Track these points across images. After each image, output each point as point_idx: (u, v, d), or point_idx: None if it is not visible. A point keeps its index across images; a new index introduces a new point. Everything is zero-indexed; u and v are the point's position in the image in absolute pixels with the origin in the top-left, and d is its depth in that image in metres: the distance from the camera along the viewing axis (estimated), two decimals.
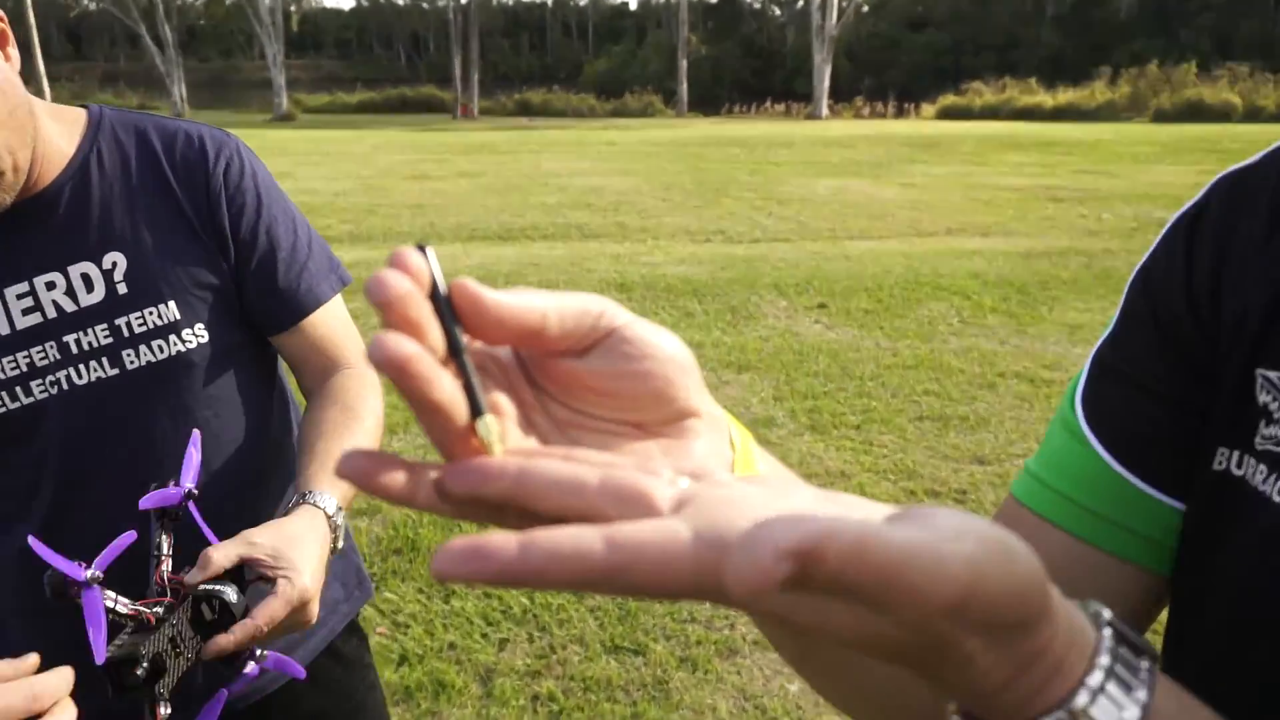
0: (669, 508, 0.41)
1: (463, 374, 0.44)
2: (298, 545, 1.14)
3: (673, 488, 0.42)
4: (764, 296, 7.15)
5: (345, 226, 10.11)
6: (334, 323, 1.41)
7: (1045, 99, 34.41)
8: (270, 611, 1.07)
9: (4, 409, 1.22)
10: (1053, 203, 11.62)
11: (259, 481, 1.40)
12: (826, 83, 38.76)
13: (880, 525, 0.33)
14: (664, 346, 0.49)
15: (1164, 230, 0.75)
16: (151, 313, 1.27)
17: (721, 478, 0.44)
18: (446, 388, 0.42)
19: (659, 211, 11.27)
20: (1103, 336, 0.77)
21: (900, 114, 37.94)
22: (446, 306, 0.44)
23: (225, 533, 1.16)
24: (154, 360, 1.27)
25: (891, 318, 6.59)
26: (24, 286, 1.22)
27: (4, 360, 1.22)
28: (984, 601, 0.34)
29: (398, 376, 0.40)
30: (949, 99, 37.06)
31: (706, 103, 43.59)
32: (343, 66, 78.66)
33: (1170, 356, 0.73)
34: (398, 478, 0.42)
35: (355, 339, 1.43)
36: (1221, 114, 29.54)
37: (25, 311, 1.23)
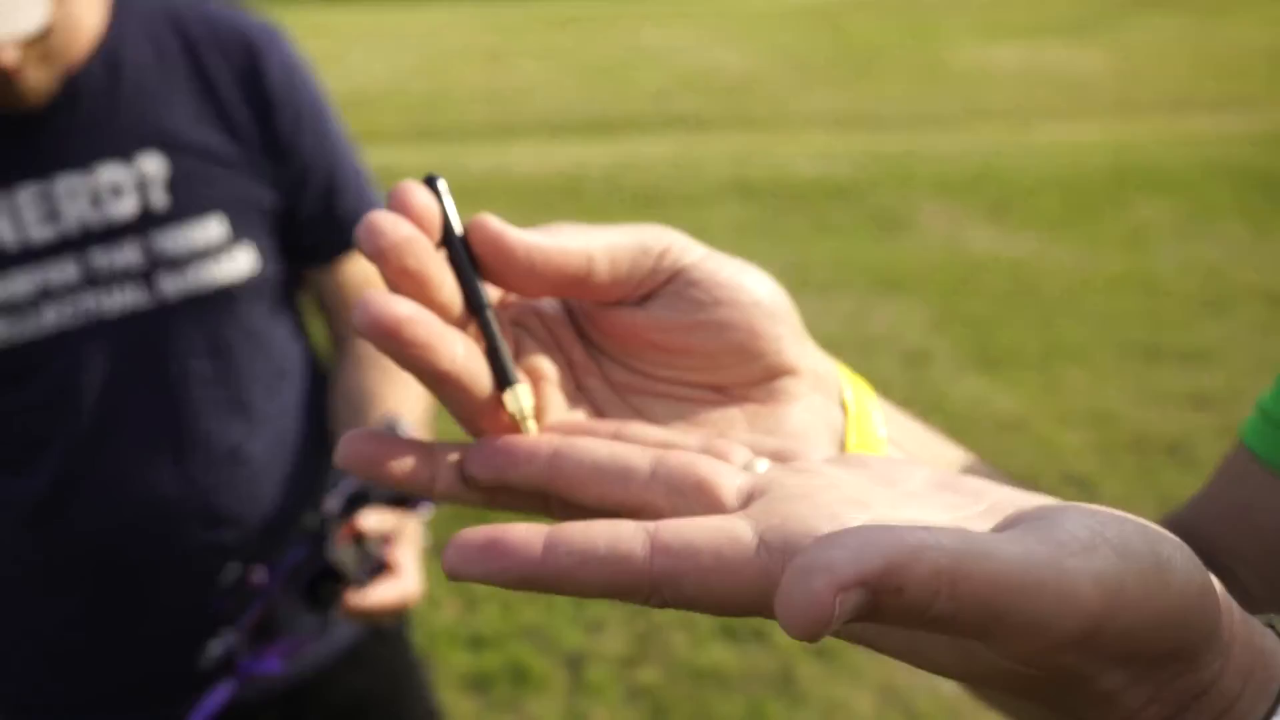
0: (736, 501, 0.40)
1: (486, 335, 0.45)
2: (404, 540, 1.28)
3: (745, 474, 0.42)
4: (923, 199, 7.10)
5: (405, 123, 10.31)
6: (365, 270, 1.48)
7: None
8: (382, 597, 1.22)
9: (9, 336, 1.27)
10: None
11: (299, 434, 1.49)
12: None
13: (985, 539, 0.31)
14: (747, 288, 0.49)
15: None
16: (194, 230, 1.32)
17: (813, 458, 0.43)
18: (457, 355, 0.42)
19: (790, 94, 11.16)
20: None
21: None
22: (463, 252, 0.44)
23: (262, 492, 1.28)
24: (196, 289, 1.33)
25: (1089, 223, 6.48)
26: (37, 188, 1.27)
27: (15, 275, 1.26)
28: (1123, 629, 0.32)
29: (390, 345, 0.41)
30: None
31: None
32: None
33: None
34: (406, 463, 0.43)
35: None
36: None
37: (40, 219, 1.27)
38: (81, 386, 1.31)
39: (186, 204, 1.32)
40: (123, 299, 1.31)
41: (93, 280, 1.29)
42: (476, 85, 12.43)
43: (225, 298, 1.35)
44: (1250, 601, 0.68)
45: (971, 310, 5.25)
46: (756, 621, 3.12)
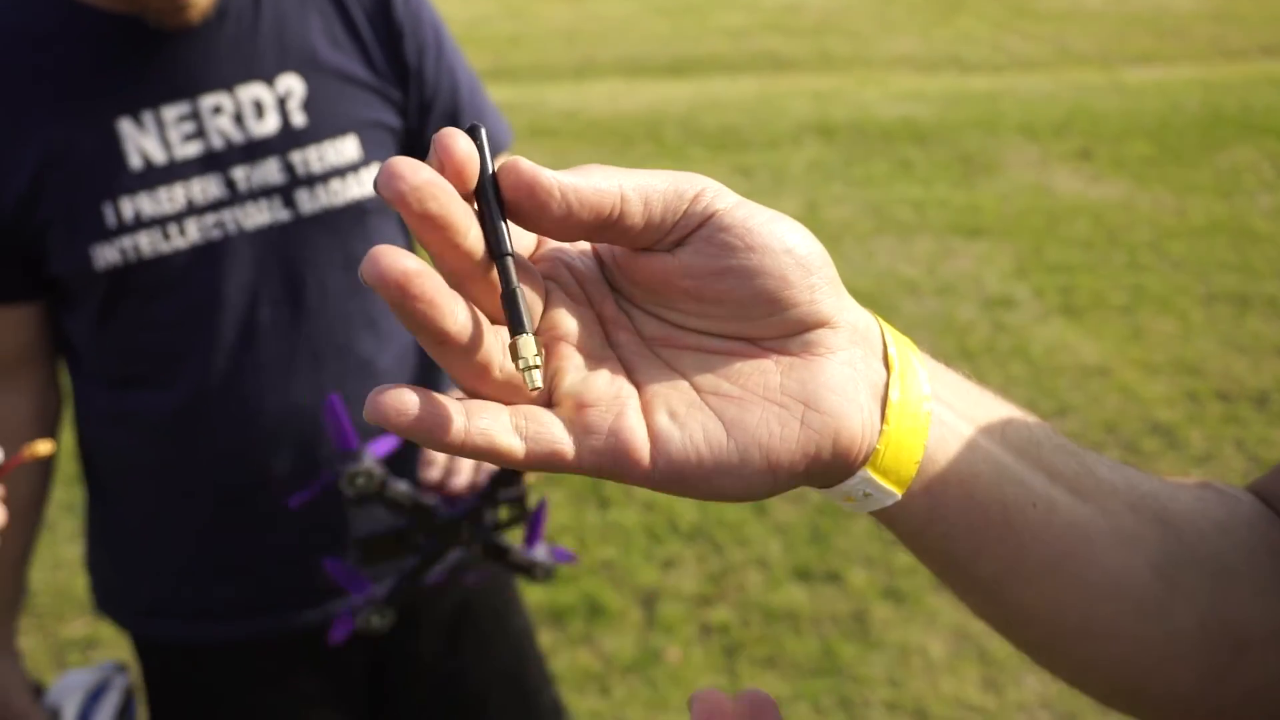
0: None
1: (503, 281, 0.45)
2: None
3: None
4: (1008, 141, 6.98)
5: (485, 61, 10.31)
6: None
7: None
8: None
9: (155, 251, 1.32)
10: None
11: (422, 351, 1.53)
12: None
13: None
14: (779, 235, 0.50)
15: None
16: (331, 149, 1.38)
17: None
18: (459, 316, 0.44)
19: (873, 34, 11.01)
20: None
21: None
22: (492, 195, 0.45)
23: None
24: (330, 205, 1.39)
25: (1180, 168, 6.34)
26: (185, 107, 1.32)
27: (160, 191, 1.31)
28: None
29: (395, 298, 0.42)
30: None
31: None
32: None
33: None
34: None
35: None
36: None
37: (187, 137, 1.33)
38: (222, 299, 1.36)
39: (323, 124, 1.37)
40: (263, 214, 1.36)
41: (235, 195, 1.35)
42: (556, 24, 12.40)
43: (359, 213, 1.41)
44: None
45: (1056, 256, 5.16)
46: (833, 562, 3.11)
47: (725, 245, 0.49)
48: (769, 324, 0.51)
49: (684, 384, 0.51)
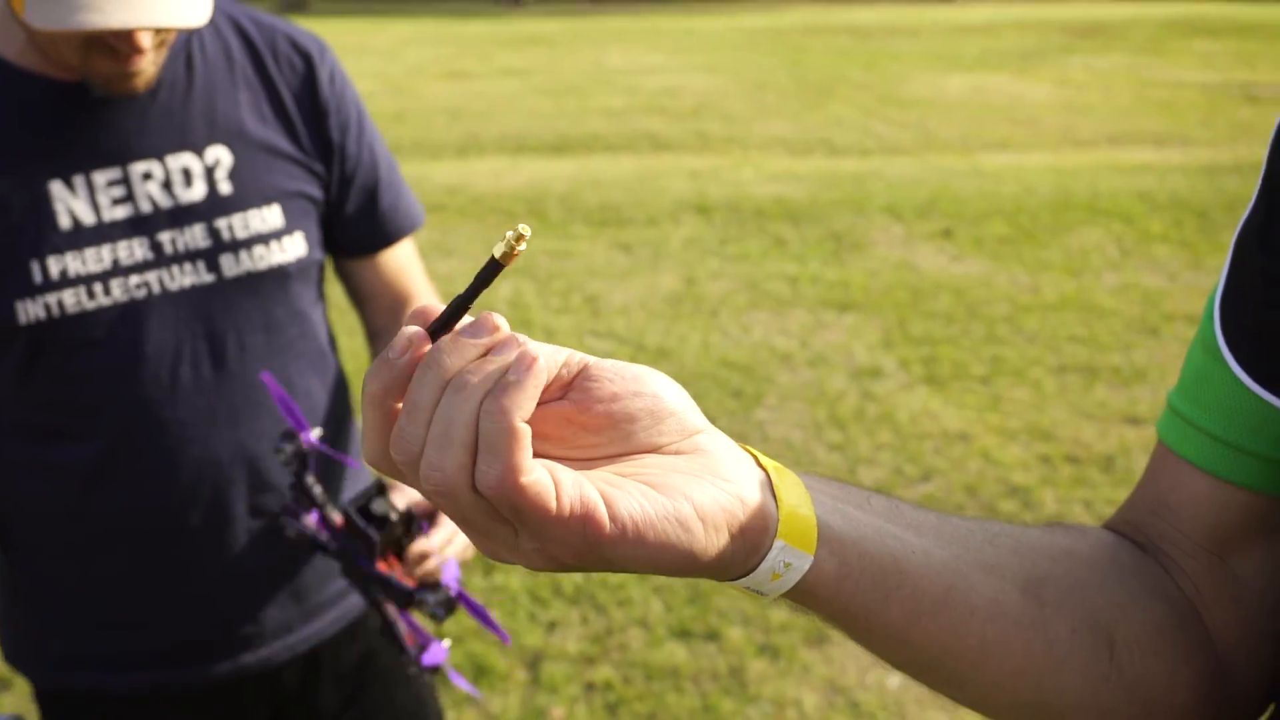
0: None
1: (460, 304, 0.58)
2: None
3: None
4: (875, 221, 7.20)
5: None
6: (410, 256, 1.65)
7: None
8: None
9: (79, 307, 1.35)
10: (1248, 104, 11.42)
11: (332, 410, 1.60)
12: None
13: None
14: (644, 375, 0.61)
15: None
16: (256, 216, 1.44)
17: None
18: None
19: (749, 117, 11.28)
20: (1243, 216, 0.79)
21: None
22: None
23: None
24: (253, 269, 1.44)
25: (1033, 248, 6.61)
26: (116, 173, 1.37)
27: (88, 251, 1.35)
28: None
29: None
30: None
31: None
32: None
33: None
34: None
35: (424, 278, 1.66)
36: None
37: (116, 201, 1.37)
38: (144, 356, 1.39)
39: (249, 193, 1.43)
40: (187, 276, 1.40)
41: (161, 258, 1.39)
42: (440, 101, 12.46)
43: (280, 277, 1.46)
44: (1183, 579, 0.75)
45: (920, 329, 5.35)
46: (711, 621, 3.18)
47: (603, 381, 0.59)
48: (658, 431, 0.60)
49: (610, 475, 0.59)
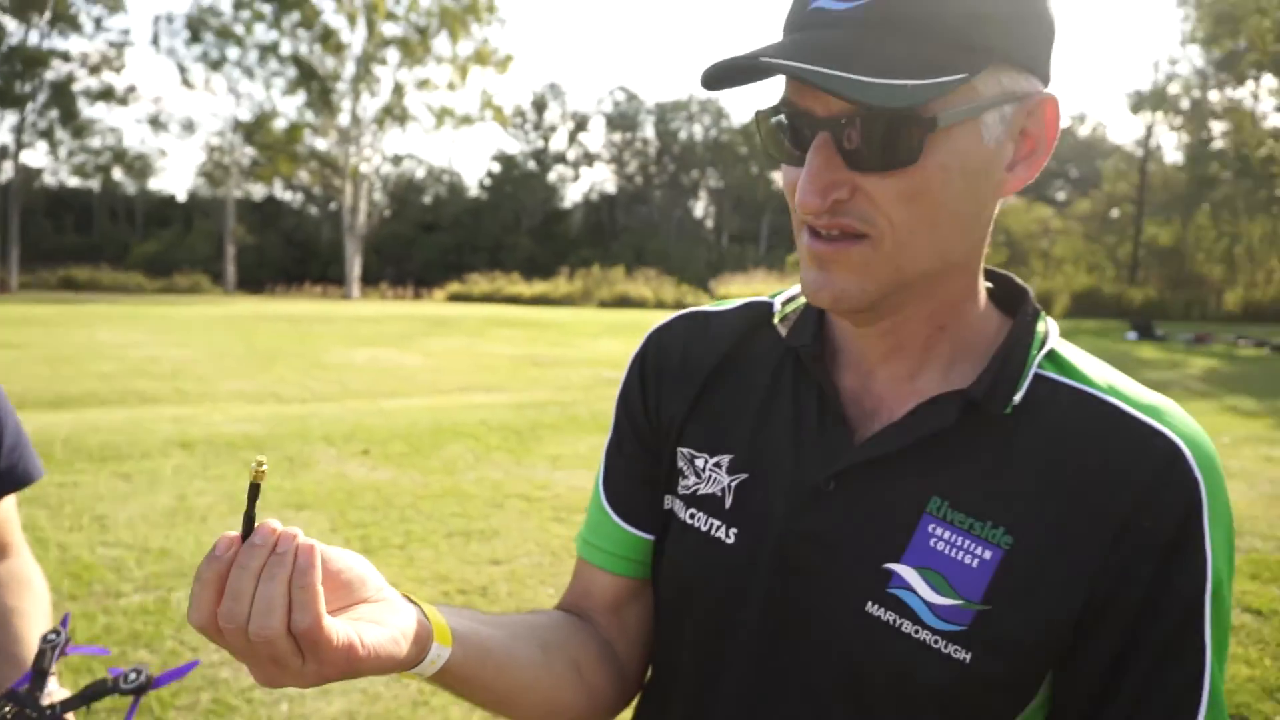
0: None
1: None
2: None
3: None
4: (316, 447, 6.93)
5: None
6: (12, 508, 1.29)
7: (525, 289, 36.45)
8: None
9: None
10: (535, 366, 12.40)
11: None
12: (358, 270, 38.53)
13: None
14: (346, 553, 0.63)
15: (629, 364, 0.88)
16: None
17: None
18: None
19: (216, 377, 10.37)
20: (607, 440, 0.88)
21: (418, 297, 38.42)
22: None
23: None
24: None
25: (422, 458, 6.68)
26: None
27: None
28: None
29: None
30: (455, 286, 38.31)
31: (252, 284, 40.68)
32: None
33: (641, 445, 0.85)
34: None
35: (19, 528, 1.31)
36: (640, 303, 33.74)
37: None
38: None
39: None
40: None
41: None
42: None
43: None
44: (600, 628, 0.87)
45: (355, 517, 5.20)
46: None
47: (333, 562, 0.61)
48: (363, 591, 0.63)
49: (349, 619, 0.61)
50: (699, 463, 0.80)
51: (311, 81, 37.20)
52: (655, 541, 0.85)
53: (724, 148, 56.71)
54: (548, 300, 34.98)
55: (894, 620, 0.69)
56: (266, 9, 36.49)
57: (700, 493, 0.79)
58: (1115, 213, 36.48)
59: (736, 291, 33.43)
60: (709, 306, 0.88)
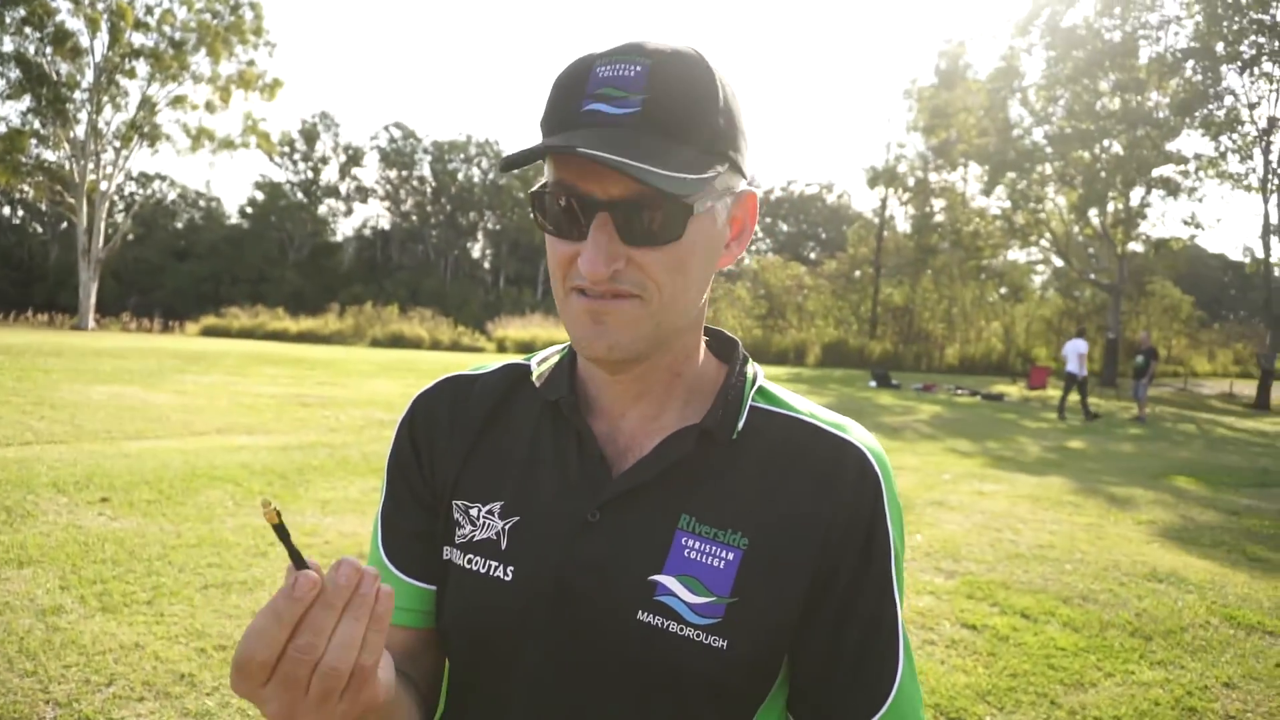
0: None
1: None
2: None
3: None
4: (42, 495, 6.13)
5: None
6: None
7: (291, 325, 34.59)
8: None
9: None
10: (302, 407, 11.81)
11: None
12: (93, 299, 34.33)
13: None
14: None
15: (397, 429, 0.94)
16: None
17: None
18: None
19: None
20: (382, 500, 0.94)
21: (166, 330, 35.05)
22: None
23: None
24: None
25: (173, 505, 6.14)
26: None
27: None
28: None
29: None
30: (211, 319, 35.45)
31: None
32: None
33: (417, 505, 0.90)
34: None
35: None
36: (415, 343, 33.00)
37: None
38: None
39: None
40: None
41: None
42: None
43: None
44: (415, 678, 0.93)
45: (91, 572, 4.65)
46: None
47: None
48: None
49: None
50: (473, 512, 0.86)
51: (41, 88, 33.03)
52: (437, 591, 0.90)
53: (502, 190, 57.03)
54: (316, 337, 33.26)
55: (662, 623, 0.79)
56: None
57: (476, 539, 0.86)
58: (858, 273, 40.70)
59: (514, 335, 33.64)
60: (469, 370, 0.96)
